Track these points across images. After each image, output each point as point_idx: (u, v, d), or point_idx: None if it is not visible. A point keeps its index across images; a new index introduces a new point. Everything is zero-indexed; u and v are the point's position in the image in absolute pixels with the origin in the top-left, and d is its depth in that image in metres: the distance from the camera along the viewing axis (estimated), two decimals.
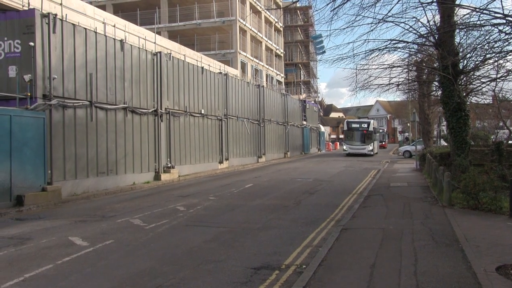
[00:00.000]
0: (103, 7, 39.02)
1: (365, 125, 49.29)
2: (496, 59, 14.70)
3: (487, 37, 13.75)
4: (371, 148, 48.72)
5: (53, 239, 9.98)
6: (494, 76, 16.16)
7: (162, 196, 17.22)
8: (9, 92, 15.46)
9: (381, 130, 78.24)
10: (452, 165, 16.46)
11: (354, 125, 50.00)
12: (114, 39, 19.98)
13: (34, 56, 15.60)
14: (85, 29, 18.18)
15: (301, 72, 74.32)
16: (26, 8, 17.28)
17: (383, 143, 76.36)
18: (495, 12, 10.81)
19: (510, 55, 14.05)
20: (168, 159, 23.77)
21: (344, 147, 50.89)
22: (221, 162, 30.65)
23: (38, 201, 14.81)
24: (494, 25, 11.72)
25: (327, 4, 28.70)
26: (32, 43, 15.52)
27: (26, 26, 15.74)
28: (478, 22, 12.31)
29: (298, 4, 54.60)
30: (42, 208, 14.55)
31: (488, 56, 14.81)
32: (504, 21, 10.76)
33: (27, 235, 10.41)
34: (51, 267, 7.85)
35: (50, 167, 15.85)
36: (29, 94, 15.40)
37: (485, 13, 11.05)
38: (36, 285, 6.94)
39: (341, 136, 75.10)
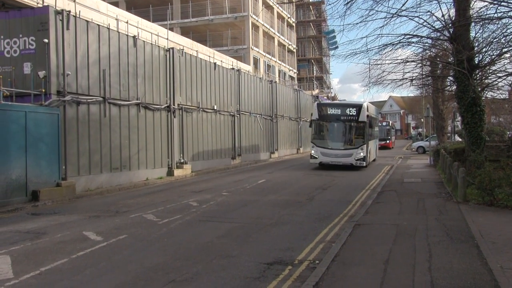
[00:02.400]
0: (116, 4, 39.20)
1: (353, 111, 26.10)
2: None
3: (503, 31, 13.57)
4: (362, 153, 25.68)
5: (67, 234, 10.07)
6: (510, 70, 15.95)
7: (175, 192, 17.30)
8: (24, 89, 15.60)
9: (384, 123, 56.08)
10: (467, 160, 16.28)
11: (331, 111, 26.70)
12: (127, 35, 20.06)
13: (48, 52, 15.72)
14: (98, 25, 18.27)
15: (314, 67, 74.02)
16: (41, 5, 17.43)
17: (388, 141, 54.90)
18: None
19: None
20: (181, 155, 23.84)
21: (312, 151, 27.01)
22: (233, 158, 30.67)
23: (53, 197, 14.96)
24: None
25: None
26: (46, 40, 15.64)
27: (40, 23, 15.86)
28: (495, 15, 12.14)
29: None
30: (57, 203, 14.70)
31: (504, 50, 14.62)
32: None
33: (43, 230, 10.52)
34: (66, 261, 7.93)
35: (64, 162, 15.99)
36: (43, 91, 15.54)
37: (503, 5, 10.88)
38: (51, 278, 7.02)
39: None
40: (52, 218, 12.17)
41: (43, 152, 15.08)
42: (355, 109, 25.98)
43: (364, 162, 25.74)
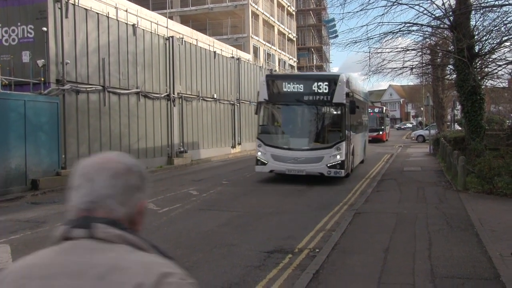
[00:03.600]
0: None
1: (324, 87, 15.91)
2: None
3: (504, 19, 13.52)
4: (339, 156, 15.69)
5: None
6: (510, 59, 15.90)
7: (175, 181, 17.31)
8: (23, 78, 15.54)
9: (376, 110, 45.39)
10: (467, 149, 16.30)
11: (289, 88, 16.28)
12: (127, 24, 19.95)
13: (47, 41, 15.63)
14: (98, 14, 18.16)
15: (314, 56, 73.75)
16: None
17: (381, 132, 43.63)
18: None
19: None
20: (181, 144, 23.83)
21: (259, 153, 16.51)
22: (233, 146, 30.67)
23: (53, 185, 14.96)
24: None
25: None
26: (45, 28, 15.54)
27: (39, 11, 15.76)
28: (496, 3, 12.08)
29: None
30: (57, 192, 14.71)
31: (504, 38, 14.58)
32: None
33: (42, 219, 10.54)
34: None
35: (64, 151, 15.98)
36: (42, 79, 15.48)
37: None
38: None
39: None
40: (51, 207, 12.18)
41: (43, 141, 15.06)
42: (327, 83, 15.56)
43: (343, 170, 15.50)
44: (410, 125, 77.97)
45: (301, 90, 15.80)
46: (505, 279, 6.11)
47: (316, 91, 15.65)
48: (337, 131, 15.86)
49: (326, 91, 15.55)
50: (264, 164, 16.17)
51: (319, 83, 15.65)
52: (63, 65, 16.07)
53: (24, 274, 1.24)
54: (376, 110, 45.20)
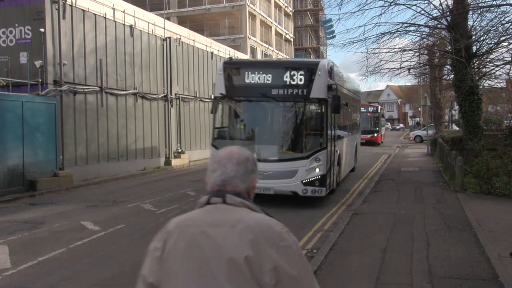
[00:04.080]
0: None
1: (298, 78, 11.91)
2: (511, 41, 14.48)
3: (501, 19, 13.54)
4: (318, 169, 11.73)
5: (65, 224, 10.06)
6: (508, 59, 15.92)
7: (172, 181, 17.28)
8: (20, 78, 15.51)
9: (370, 109, 40.97)
10: (465, 149, 16.31)
11: (253, 79, 12.20)
12: (124, 24, 19.93)
13: (45, 42, 15.60)
14: (95, 14, 18.13)
15: (311, 57, 73.80)
16: None
17: (375, 134, 39.19)
18: None
19: None
20: (178, 145, 23.81)
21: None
22: None
23: (50, 186, 14.92)
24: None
25: None
26: (42, 29, 15.51)
27: (36, 12, 15.73)
28: (494, 3, 12.10)
29: None
30: (54, 193, 14.67)
31: (502, 38, 14.60)
32: None
33: (40, 220, 10.50)
34: (64, 250, 7.92)
35: (61, 152, 15.94)
36: (40, 80, 15.45)
37: None
38: (49, 268, 7.01)
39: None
40: (49, 208, 12.14)
41: (40, 142, 15.03)
42: (303, 73, 11.92)
43: (323, 188, 11.89)
44: (402, 125, 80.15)
45: (269, 82, 11.94)
46: (504, 279, 6.12)
47: (288, 83, 11.80)
48: (317, 135, 12.03)
49: (302, 82, 11.74)
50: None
51: (293, 73, 11.78)
52: (61, 66, 16.04)
53: (186, 223, 1.96)
54: (370, 109, 40.84)
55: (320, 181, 11.68)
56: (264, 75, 12.02)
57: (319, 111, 12.01)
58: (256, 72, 12.08)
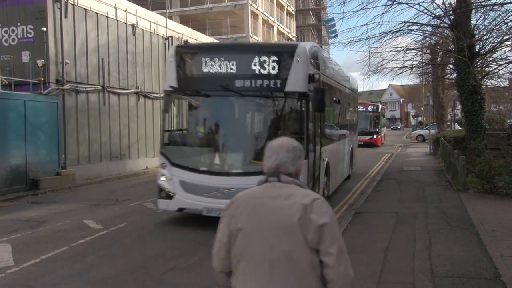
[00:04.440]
0: None
1: (270, 66, 9.14)
2: None
3: (505, 18, 13.50)
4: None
5: (68, 222, 10.08)
6: (511, 58, 15.89)
7: None
8: (23, 77, 15.54)
9: (370, 108, 37.12)
10: (467, 149, 16.28)
11: (214, 66, 9.43)
12: (126, 23, 19.95)
13: (47, 41, 15.63)
14: (97, 14, 18.15)
15: None
16: None
17: (375, 136, 35.89)
18: None
19: None
20: None
21: (162, 177, 9.57)
22: None
23: (53, 185, 14.95)
24: None
25: None
26: (44, 28, 15.54)
27: (38, 11, 15.76)
28: (498, 1, 12.07)
29: None
30: (57, 192, 14.69)
31: (505, 37, 14.56)
32: None
33: (43, 218, 10.53)
34: (66, 249, 7.93)
35: (64, 151, 15.96)
36: (42, 79, 15.48)
37: None
38: (52, 266, 7.03)
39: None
40: (52, 206, 12.17)
41: (43, 141, 15.05)
42: (276, 59, 9.28)
43: None
44: (402, 125, 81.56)
45: (232, 71, 9.30)
46: (506, 279, 6.11)
47: (258, 72, 9.13)
48: (294, 140, 5.36)
49: (276, 72, 9.09)
50: (169, 197, 9.43)
51: (264, 59, 9.10)
52: (63, 65, 16.07)
53: (249, 196, 2.56)
54: (370, 108, 37.02)
55: None
56: (227, 62, 9.31)
57: (298, 108, 9.32)
58: (217, 59, 9.36)
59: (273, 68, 9.09)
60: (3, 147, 13.69)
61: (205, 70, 9.45)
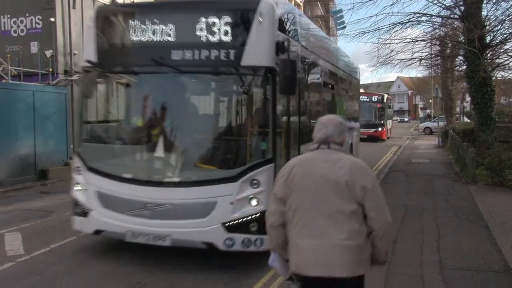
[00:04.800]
0: None
1: (223, 30, 6.23)
2: None
3: None
4: (255, 200, 6.03)
5: None
6: None
7: None
8: (31, 68, 15.59)
9: (374, 98, 34.49)
10: (476, 141, 16.16)
11: (146, 31, 6.52)
12: None
13: (55, 32, 15.67)
14: (104, 4, 18.13)
15: None
16: None
17: (380, 129, 32.75)
18: None
19: None
20: None
21: (77, 186, 7.02)
22: None
23: (61, 175, 14.98)
24: None
25: None
26: (52, 19, 15.57)
27: (46, 2, 15.80)
28: None
29: None
30: (65, 182, 14.69)
31: None
32: None
33: (52, 208, 10.59)
34: (75, 238, 7.96)
35: (72, 142, 16.02)
36: (50, 70, 15.53)
37: None
38: (61, 255, 7.07)
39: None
40: (60, 196, 12.21)
41: (51, 132, 15.11)
42: (230, 21, 6.26)
43: (264, 237, 5.71)
44: (407, 118, 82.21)
45: (170, 39, 6.51)
46: None
47: (205, 39, 6.36)
48: (256, 137, 6.54)
49: (229, 38, 6.31)
50: (84, 214, 6.85)
51: (213, 20, 6.30)
52: (71, 56, 16.10)
53: (303, 159, 3.17)
54: (375, 98, 33.89)
55: (260, 223, 5.77)
56: (163, 26, 6.50)
57: (261, 90, 6.49)
58: (150, 22, 6.57)
59: (225, 33, 6.28)
60: (12, 138, 13.76)
61: (134, 38, 6.64)
